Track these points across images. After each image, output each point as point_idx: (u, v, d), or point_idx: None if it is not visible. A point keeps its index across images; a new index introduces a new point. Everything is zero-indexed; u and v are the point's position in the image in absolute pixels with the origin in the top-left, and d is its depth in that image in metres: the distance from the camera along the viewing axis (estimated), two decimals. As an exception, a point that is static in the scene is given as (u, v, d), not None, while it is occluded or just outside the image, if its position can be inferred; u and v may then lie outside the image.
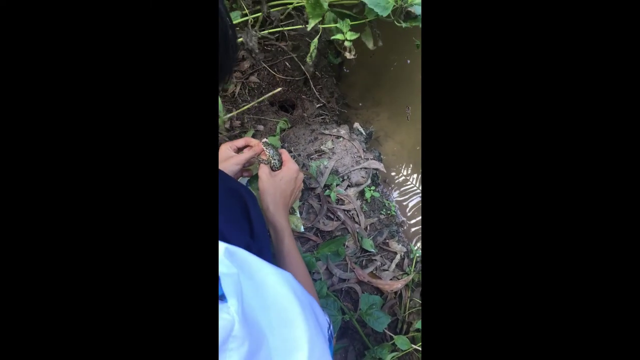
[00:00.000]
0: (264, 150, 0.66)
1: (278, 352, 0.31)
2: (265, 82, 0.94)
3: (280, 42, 0.83)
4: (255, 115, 0.92)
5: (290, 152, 0.89)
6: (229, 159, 0.64)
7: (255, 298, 0.31)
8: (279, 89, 0.83)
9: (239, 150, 0.69)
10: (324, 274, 0.77)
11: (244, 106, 0.92)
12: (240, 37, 0.69)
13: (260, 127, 0.92)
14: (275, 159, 0.67)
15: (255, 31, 0.66)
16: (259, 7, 0.71)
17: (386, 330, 0.69)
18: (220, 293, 0.27)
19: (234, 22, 0.70)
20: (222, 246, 0.32)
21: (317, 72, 0.99)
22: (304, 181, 0.83)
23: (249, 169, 0.71)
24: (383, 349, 0.67)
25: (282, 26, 0.78)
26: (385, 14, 0.53)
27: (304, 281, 0.57)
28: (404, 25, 0.56)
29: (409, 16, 0.55)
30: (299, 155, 0.88)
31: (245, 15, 0.70)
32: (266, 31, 0.78)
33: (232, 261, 0.32)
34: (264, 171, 0.64)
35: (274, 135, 0.89)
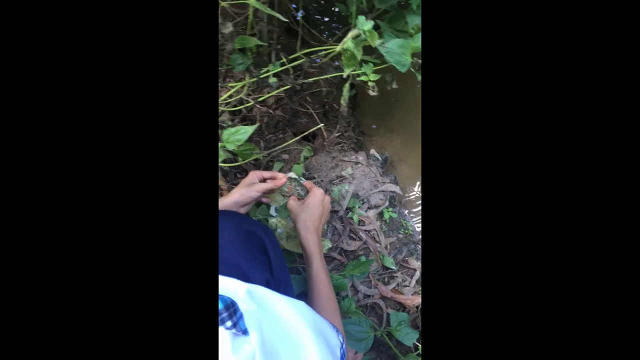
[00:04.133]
0: (288, 184, 0.74)
1: None
2: (289, 115, 1.03)
3: (301, 78, 0.93)
4: (280, 145, 1.01)
5: (313, 178, 0.97)
6: (251, 185, 0.70)
7: (272, 329, 0.37)
8: (320, 126, 0.96)
9: (264, 180, 0.75)
10: (350, 290, 0.83)
11: (269, 137, 1.01)
12: (284, 81, 0.80)
13: (285, 156, 1.00)
14: (298, 189, 0.75)
15: (294, 79, 0.76)
16: (295, 55, 0.82)
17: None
18: (243, 328, 0.33)
19: (275, 70, 0.81)
20: (244, 287, 0.39)
21: (335, 105, 1.08)
22: (328, 204, 0.91)
23: (268, 197, 0.78)
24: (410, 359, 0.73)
25: (312, 69, 0.89)
26: (404, 70, 0.64)
27: (327, 303, 0.61)
28: (418, 77, 0.66)
29: None
30: (322, 180, 0.96)
31: (284, 64, 0.80)
32: (306, 79, 0.89)
33: (252, 298, 0.38)
34: (291, 202, 0.71)
35: (299, 163, 0.97)
